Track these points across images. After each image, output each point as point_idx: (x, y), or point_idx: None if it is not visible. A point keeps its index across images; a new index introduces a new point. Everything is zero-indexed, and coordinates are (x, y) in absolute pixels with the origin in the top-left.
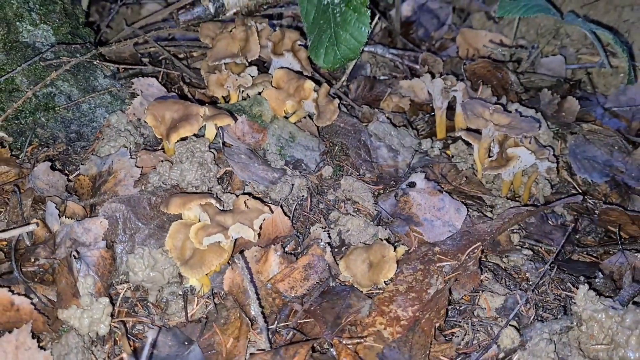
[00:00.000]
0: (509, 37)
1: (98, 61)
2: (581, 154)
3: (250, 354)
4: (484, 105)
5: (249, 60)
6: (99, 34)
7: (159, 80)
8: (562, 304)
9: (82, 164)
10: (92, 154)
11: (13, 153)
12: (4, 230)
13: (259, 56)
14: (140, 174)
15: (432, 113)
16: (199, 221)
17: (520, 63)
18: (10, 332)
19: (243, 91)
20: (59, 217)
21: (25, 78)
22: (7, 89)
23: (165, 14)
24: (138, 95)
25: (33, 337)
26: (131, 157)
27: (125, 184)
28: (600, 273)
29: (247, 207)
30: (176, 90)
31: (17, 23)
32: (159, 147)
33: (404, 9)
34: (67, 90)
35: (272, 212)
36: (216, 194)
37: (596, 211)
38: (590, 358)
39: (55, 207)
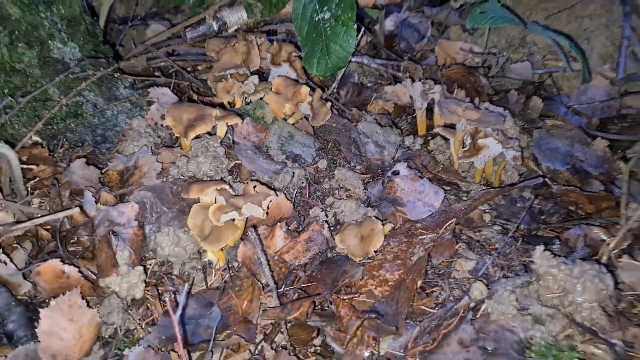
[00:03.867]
0: (482, 47)
1: (118, 74)
2: (545, 145)
3: (263, 309)
4: (457, 104)
5: (251, 71)
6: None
7: (171, 89)
8: (525, 267)
9: (109, 162)
10: (118, 153)
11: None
12: (50, 214)
13: (259, 67)
14: (161, 168)
15: (414, 115)
16: (211, 203)
17: (492, 69)
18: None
19: (246, 97)
20: (95, 204)
21: (57, 89)
22: (41, 98)
23: (174, 32)
24: (154, 102)
25: (82, 299)
26: (153, 154)
27: (149, 176)
28: (557, 240)
29: (256, 192)
30: (186, 99)
31: (49, 42)
32: (175, 146)
33: (387, 24)
34: (93, 99)
35: (277, 195)
36: (228, 182)
37: (559, 195)
38: (546, 305)
39: (92, 195)
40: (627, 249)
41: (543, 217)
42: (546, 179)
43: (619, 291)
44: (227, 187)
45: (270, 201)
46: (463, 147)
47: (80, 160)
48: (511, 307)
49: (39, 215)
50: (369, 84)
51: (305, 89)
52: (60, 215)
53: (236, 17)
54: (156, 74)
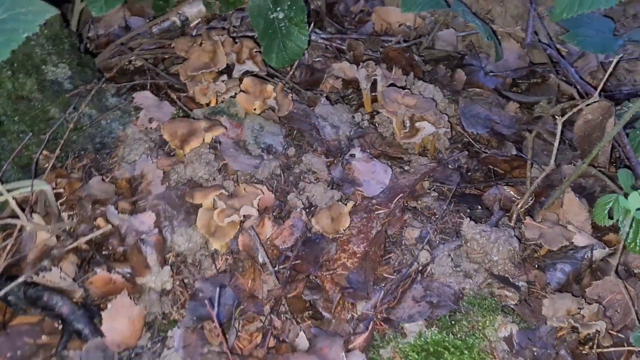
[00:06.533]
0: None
1: (105, 84)
2: (468, 112)
3: (268, 290)
4: (397, 92)
5: (219, 69)
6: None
7: (149, 89)
8: (456, 229)
9: (116, 171)
10: (122, 162)
11: (57, 166)
12: (89, 234)
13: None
14: (163, 174)
15: (359, 87)
16: (214, 206)
17: (422, 43)
18: (115, 297)
19: (219, 96)
20: (117, 213)
21: (57, 108)
22: (45, 118)
23: (141, 30)
24: (141, 108)
25: (129, 298)
26: (152, 162)
27: (155, 183)
28: (479, 206)
29: (246, 192)
30: (164, 96)
31: (43, 66)
32: (166, 147)
33: None
34: (88, 112)
35: (264, 193)
36: (221, 183)
37: (481, 155)
38: (473, 262)
39: (115, 208)
40: (531, 206)
41: (469, 174)
42: (474, 144)
43: (523, 244)
44: (223, 191)
45: (260, 199)
46: (404, 128)
47: (97, 178)
48: (448, 268)
49: (79, 233)
50: (317, 59)
51: (270, 87)
52: (97, 233)
53: (196, 11)
54: (131, 72)
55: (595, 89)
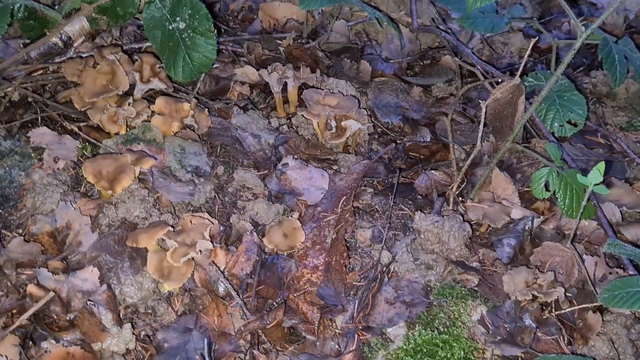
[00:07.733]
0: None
1: None
2: (380, 102)
3: (244, 325)
4: (318, 93)
5: (122, 91)
6: None
7: (42, 124)
8: (402, 221)
9: (32, 225)
10: (37, 214)
11: None
12: (30, 308)
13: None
14: (91, 220)
15: (266, 91)
16: (162, 246)
17: (323, 34)
18: None
19: (130, 121)
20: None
21: None
22: None
23: (17, 58)
24: (41, 147)
25: None
26: (74, 208)
27: (84, 232)
28: (416, 195)
29: (193, 224)
30: (62, 130)
31: None
32: (82, 188)
33: None
34: None
35: (213, 223)
36: (159, 218)
37: (398, 141)
38: (430, 253)
39: (47, 270)
40: (464, 186)
41: (391, 162)
42: (386, 131)
43: (469, 224)
44: (169, 228)
45: (210, 229)
46: (329, 129)
47: (18, 239)
48: (410, 263)
49: (7, 307)
50: (215, 65)
51: (186, 106)
52: (39, 305)
53: (78, 28)
54: (13, 106)
55: (491, 65)
